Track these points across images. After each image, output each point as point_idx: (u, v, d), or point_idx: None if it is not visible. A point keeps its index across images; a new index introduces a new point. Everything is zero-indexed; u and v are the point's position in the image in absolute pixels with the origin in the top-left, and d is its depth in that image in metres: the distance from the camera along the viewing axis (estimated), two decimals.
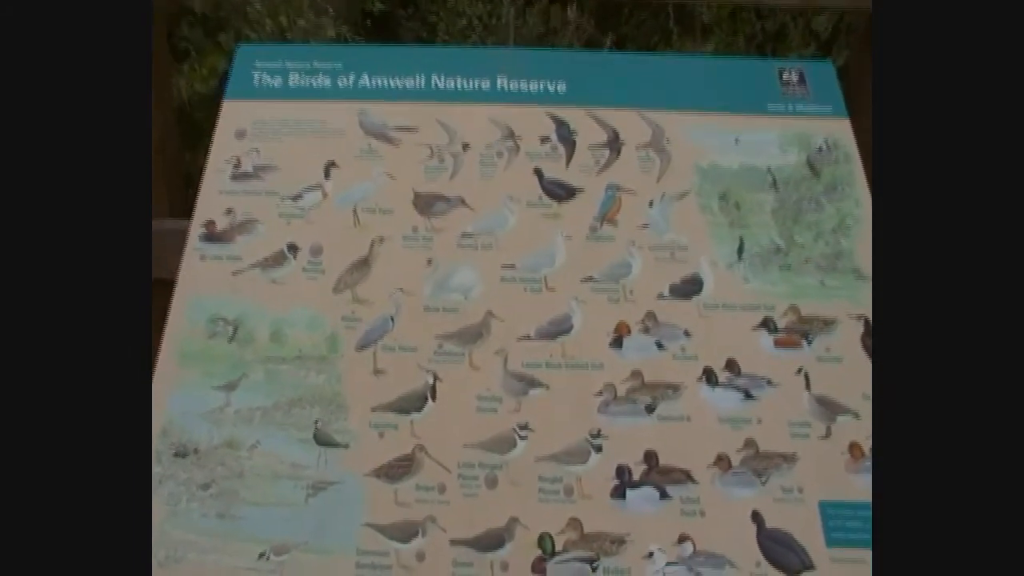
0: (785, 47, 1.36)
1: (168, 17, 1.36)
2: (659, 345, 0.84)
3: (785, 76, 1.04)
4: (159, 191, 1.27)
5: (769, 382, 0.82)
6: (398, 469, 0.77)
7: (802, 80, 1.04)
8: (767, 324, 0.86)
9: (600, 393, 0.81)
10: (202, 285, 0.88)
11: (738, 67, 1.08)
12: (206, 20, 1.40)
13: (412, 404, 0.80)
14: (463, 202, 0.93)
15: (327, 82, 1.04)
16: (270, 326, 0.85)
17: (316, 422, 0.80)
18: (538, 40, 1.51)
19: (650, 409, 0.81)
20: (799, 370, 0.83)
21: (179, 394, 0.82)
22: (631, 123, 1.00)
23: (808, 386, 0.82)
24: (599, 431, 0.79)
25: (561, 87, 1.03)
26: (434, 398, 0.81)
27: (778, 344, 0.85)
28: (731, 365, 0.83)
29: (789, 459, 0.78)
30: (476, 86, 1.03)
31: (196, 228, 0.93)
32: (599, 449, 0.78)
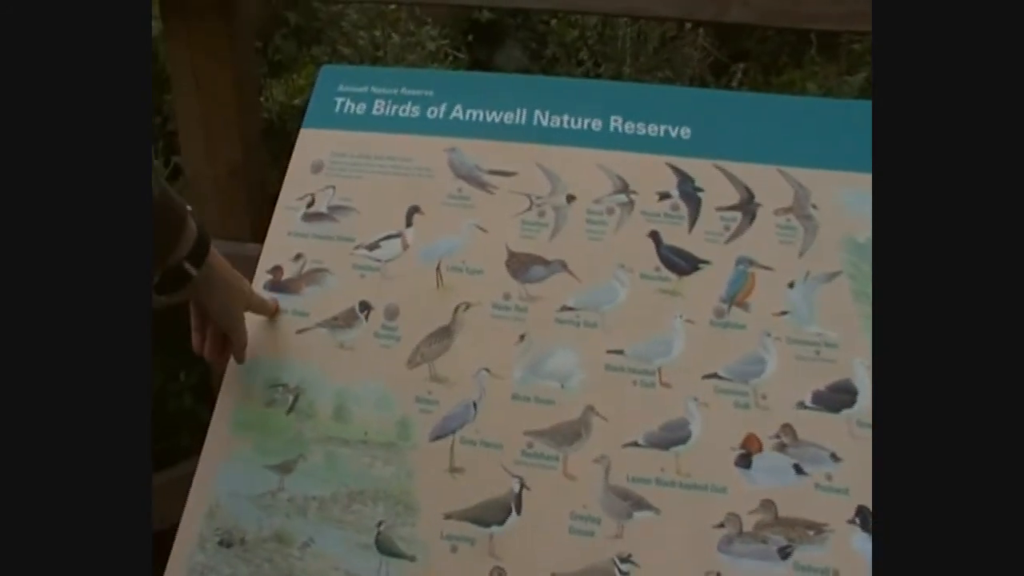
0: None
1: (262, 30, 1.29)
2: (798, 469, 0.68)
3: None
4: (239, 212, 1.19)
5: None
6: None
7: None
8: None
9: (722, 525, 0.66)
10: (264, 341, 0.78)
11: None
12: (300, 32, 1.32)
13: (493, 515, 0.67)
14: (565, 267, 0.80)
15: (416, 111, 0.93)
16: (334, 399, 0.74)
17: (379, 524, 0.68)
18: (652, 57, 1.36)
19: (785, 553, 0.65)
20: None
21: (230, 470, 0.73)
22: (769, 181, 0.84)
23: None
24: (719, 575, 0.64)
25: (685, 132, 0.88)
26: (519, 510, 0.68)
27: None
28: None
29: None
30: (586, 126, 0.90)
31: (261, 274, 0.83)
32: None
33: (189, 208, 0.67)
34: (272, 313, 0.79)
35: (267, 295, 0.81)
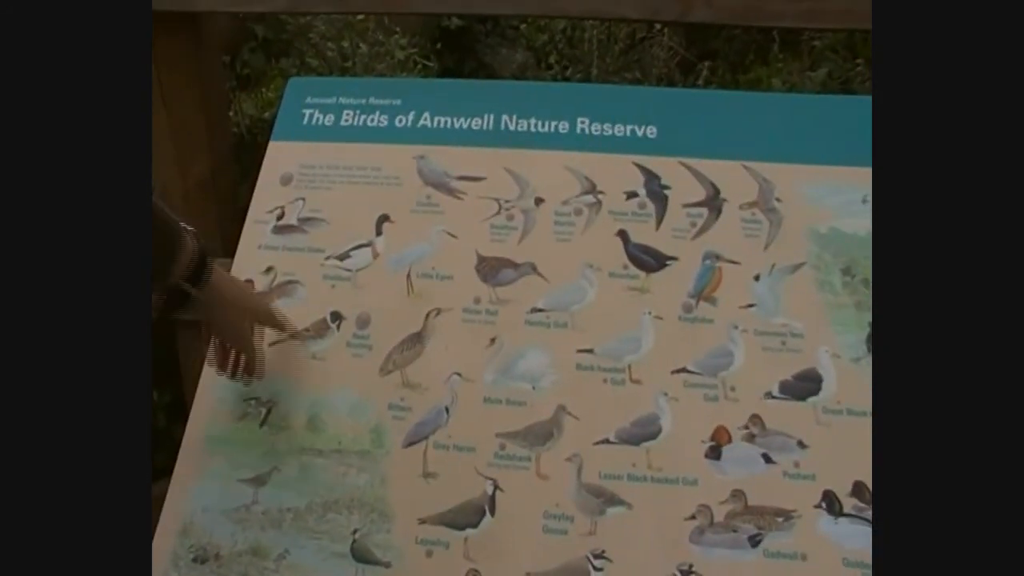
0: None
1: (230, 43, 1.29)
2: (767, 458, 0.69)
3: None
4: (210, 227, 1.19)
5: None
6: None
7: None
8: None
9: (693, 517, 0.67)
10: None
11: (864, 106, 0.91)
12: (268, 45, 1.33)
13: (467, 518, 0.68)
14: (534, 269, 0.80)
15: (384, 121, 0.93)
16: (308, 410, 0.75)
17: (355, 532, 0.68)
18: (620, 58, 1.36)
19: (755, 541, 0.66)
20: None
21: (203, 486, 0.73)
22: (734, 177, 0.85)
23: None
24: (691, 567, 0.65)
25: (651, 131, 0.89)
26: (493, 512, 0.68)
27: None
28: (859, 490, 0.67)
29: None
30: (553, 128, 0.90)
31: None
32: None
33: (190, 229, 0.66)
34: (285, 328, 0.77)
35: None
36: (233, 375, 0.73)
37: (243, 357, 0.73)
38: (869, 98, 0.97)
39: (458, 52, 1.47)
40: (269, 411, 0.75)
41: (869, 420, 0.70)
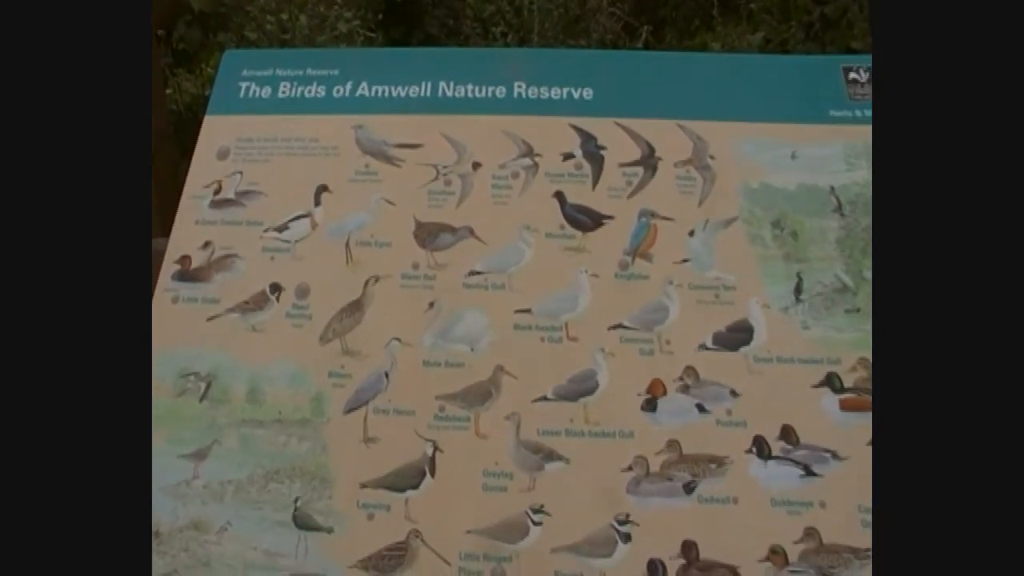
0: (847, 36, 1.19)
1: (164, 17, 1.25)
2: (700, 408, 0.71)
3: (852, 75, 0.89)
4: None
5: (834, 455, 0.68)
6: (389, 560, 0.65)
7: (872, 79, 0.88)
8: (831, 381, 0.71)
9: (630, 468, 0.68)
10: (173, 332, 0.78)
11: (794, 65, 0.92)
12: (204, 19, 1.30)
13: (407, 480, 0.69)
14: (472, 233, 0.81)
15: (322, 91, 0.93)
16: (248, 382, 0.74)
17: (296, 500, 0.69)
18: (568, 28, 1.36)
19: (689, 488, 0.67)
20: (871, 440, 0.68)
21: None
22: (668, 136, 0.85)
23: None
24: (627, 516, 0.66)
25: (587, 93, 0.89)
26: (433, 473, 0.69)
27: (844, 407, 0.70)
28: (787, 433, 0.69)
29: (861, 555, 0.64)
30: (490, 93, 0.90)
31: (169, 265, 0.82)
32: (627, 538, 0.65)
33: None
34: None
35: (176, 286, 0.80)
36: None
37: None
38: (797, 57, 0.99)
39: (404, 24, 1.45)
40: (209, 385, 0.75)
41: (796, 367, 0.72)
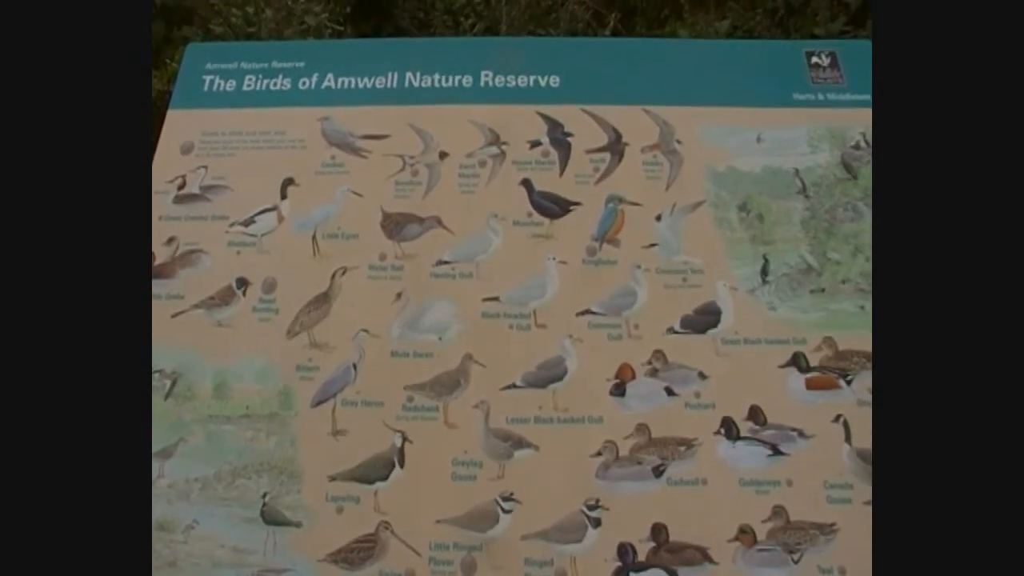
0: (810, 22, 1.20)
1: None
2: (669, 391, 0.71)
3: (815, 60, 0.89)
4: None
5: (801, 434, 0.69)
6: (359, 553, 0.65)
7: (834, 64, 0.88)
8: (797, 361, 0.72)
9: (599, 453, 0.69)
10: None
11: (758, 51, 0.92)
12: (167, 12, 1.27)
13: (376, 472, 0.68)
14: (439, 223, 0.80)
15: (287, 84, 0.92)
16: (214, 378, 0.74)
17: (264, 496, 0.68)
18: (535, 18, 1.35)
19: (659, 472, 0.68)
20: (837, 418, 0.69)
21: None
22: (635, 121, 0.85)
23: (848, 438, 0.68)
24: (597, 501, 0.66)
25: (554, 81, 0.89)
26: (402, 464, 0.68)
27: (811, 386, 0.71)
28: (754, 414, 0.70)
29: (826, 531, 0.65)
30: (457, 83, 0.90)
31: None
32: (597, 523, 0.66)
33: None
34: None
35: None
36: None
37: None
38: (760, 42, 0.99)
39: (373, 16, 1.44)
40: (174, 383, 0.74)
41: (763, 347, 0.72)
